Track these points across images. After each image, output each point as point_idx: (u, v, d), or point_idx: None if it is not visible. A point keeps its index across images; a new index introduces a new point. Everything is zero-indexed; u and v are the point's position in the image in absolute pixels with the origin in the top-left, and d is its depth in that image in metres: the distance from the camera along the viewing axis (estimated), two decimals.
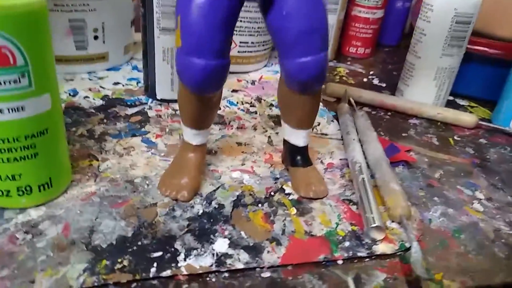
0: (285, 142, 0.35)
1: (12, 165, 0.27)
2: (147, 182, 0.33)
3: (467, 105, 0.55)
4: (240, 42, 0.53)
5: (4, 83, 0.24)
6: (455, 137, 0.46)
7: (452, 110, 0.49)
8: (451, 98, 0.55)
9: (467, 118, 0.48)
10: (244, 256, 0.27)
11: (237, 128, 0.43)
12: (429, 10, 0.47)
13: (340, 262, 0.28)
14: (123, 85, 0.49)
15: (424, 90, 0.50)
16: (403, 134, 0.46)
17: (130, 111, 0.44)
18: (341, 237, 0.30)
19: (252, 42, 0.54)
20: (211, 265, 0.26)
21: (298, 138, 0.34)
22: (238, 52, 0.54)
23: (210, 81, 0.28)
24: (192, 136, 0.32)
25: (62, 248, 0.26)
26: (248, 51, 0.54)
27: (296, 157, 0.35)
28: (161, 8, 0.41)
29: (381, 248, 0.29)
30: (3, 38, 0.24)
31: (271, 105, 0.49)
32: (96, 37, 0.49)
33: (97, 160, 0.35)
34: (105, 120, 0.41)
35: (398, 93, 0.53)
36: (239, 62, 0.54)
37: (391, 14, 0.71)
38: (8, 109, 0.25)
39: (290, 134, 0.34)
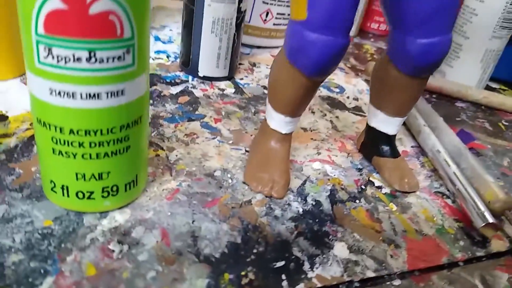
0: (370, 129, 0.32)
1: (101, 162, 0.22)
2: (228, 175, 0.29)
3: (498, 88, 0.54)
4: (277, 14, 0.48)
5: (107, 60, 0.19)
6: (503, 122, 0.45)
7: (497, 94, 0.48)
8: (495, 86, 0.55)
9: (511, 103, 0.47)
10: (370, 262, 0.24)
11: None
12: None
13: (461, 263, 0.26)
14: (152, 59, 0.44)
15: (468, 73, 0.48)
16: (457, 119, 0.44)
17: (173, 90, 0.38)
18: (452, 236, 0.28)
19: (289, 14, 0.49)
20: (342, 275, 0.23)
21: (390, 126, 0.31)
22: (274, 24, 0.49)
23: (332, 62, 0.24)
24: (283, 124, 0.28)
25: (171, 261, 0.22)
26: (284, 24, 0.50)
27: (384, 146, 0.32)
28: None
29: (494, 245, 0.28)
30: (113, 0, 0.18)
31: None
32: None
33: (163, 149, 0.30)
34: (150, 101, 0.36)
35: (438, 74, 0.51)
36: (273, 36, 0.50)
37: None
38: (108, 94, 0.20)
39: (381, 122, 0.31)
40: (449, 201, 0.31)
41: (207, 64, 0.40)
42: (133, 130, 0.22)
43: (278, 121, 0.29)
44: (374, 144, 0.32)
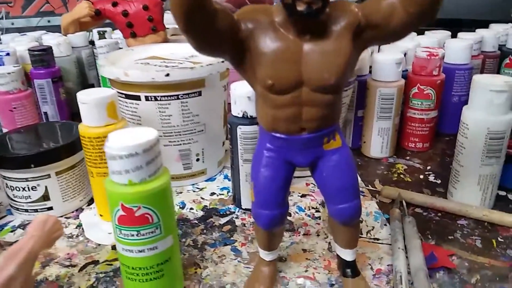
0: (338, 255, 0.46)
1: (150, 283, 0.41)
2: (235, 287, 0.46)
3: (505, 195, 0.60)
4: None
5: (145, 234, 0.39)
6: (499, 238, 0.52)
7: (497, 212, 0.55)
8: (503, 193, 0.61)
9: (511, 220, 0.53)
10: None
11: (303, 234, 0.54)
12: (465, 128, 0.55)
13: None
14: (217, 195, 0.64)
15: (469, 194, 0.57)
16: (449, 237, 0.53)
17: (222, 220, 0.57)
18: None
19: None
20: None
21: (346, 255, 0.44)
22: None
23: (274, 224, 0.40)
24: (265, 255, 0.44)
25: None
26: None
27: (345, 269, 0.44)
28: (243, 147, 0.55)
29: None
30: (146, 208, 0.38)
31: None
32: (197, 159, 0.65)
33: (200, 267, 0.49)
34: (204, 231, 0.55)
35: (448, 194, 0.60)
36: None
37: (448, 106, 0.78)
38: (147, 249, 0.40)
39: (339, 251, 0.44)
40: None
41: (246, 200, 0.59)
42: (165, 265, 0.41)
43: (262, 253, 0.45)
44: (341, 266, 0.45)
